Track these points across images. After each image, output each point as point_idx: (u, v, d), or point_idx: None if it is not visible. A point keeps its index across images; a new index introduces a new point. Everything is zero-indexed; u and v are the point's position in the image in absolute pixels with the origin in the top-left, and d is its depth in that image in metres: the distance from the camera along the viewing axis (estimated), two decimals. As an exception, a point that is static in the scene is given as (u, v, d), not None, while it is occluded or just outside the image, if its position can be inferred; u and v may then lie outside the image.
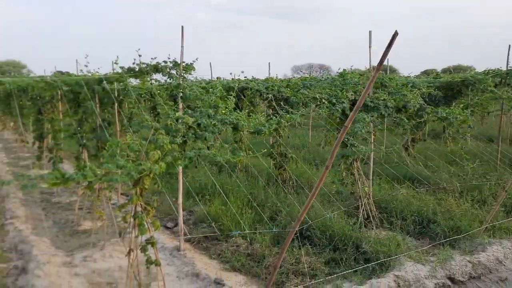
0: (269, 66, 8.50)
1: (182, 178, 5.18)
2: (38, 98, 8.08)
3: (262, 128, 4.31)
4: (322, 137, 11.92)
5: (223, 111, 4.23)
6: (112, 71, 6.05)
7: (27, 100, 9.98)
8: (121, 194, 7.70)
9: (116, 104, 5.84)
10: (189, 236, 5.40)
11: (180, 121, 4.04)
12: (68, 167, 9.50)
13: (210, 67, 9.69)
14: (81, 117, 6.08)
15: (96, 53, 5.96)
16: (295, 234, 5.08)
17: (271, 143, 8.67)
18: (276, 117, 4.66)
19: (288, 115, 4.72)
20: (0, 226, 6.07)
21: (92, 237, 5.65)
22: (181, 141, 3.89)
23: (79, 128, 5.48)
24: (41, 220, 6.62)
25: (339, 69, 6.89)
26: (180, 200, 5.12)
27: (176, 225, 6.26)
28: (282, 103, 5.57)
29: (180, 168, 5.01)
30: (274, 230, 4.66)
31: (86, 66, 6.03)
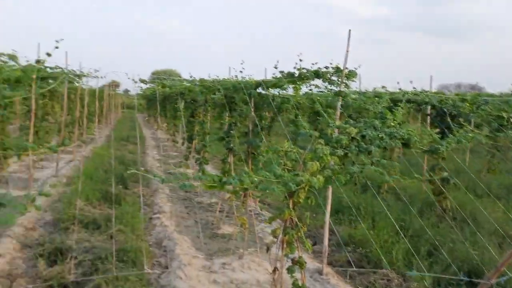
0: (431, 80, 7.57)
1: (331, 194, 4.71)
2: (192, 101, 8.45)
3: (439, 147, 3.61)
4: (483, 162, 10.35)
5: (392, 124, 3.65)
6: (264, 78, 5.92)
7: (182, 103, 10.62)
8: (259, 201, 7.56)
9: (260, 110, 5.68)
10: (343, 269, 4.88)
11: (342, 131, 3.58)
12: (210, 169, 9.78)
13: (359, 79, 9.12)
14: (232, 121, 6.06)
15: (247, 62, 5.87)
16: (463, 281, 4.19)
17: (425, 164, 7.69)
18: (453, 135, 3.90)
19: (470, 135, 3.92)
20: (149, 219, 6.34)
21: (231, 243, 5.51)
22: (342, 154, 3.42)
23: (230, 132, 5.42)
24: (184, 218, 6.79)
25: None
26: (327, 218, 4.65)
27: (315, 243, 5.81)
28: (461, 120, 4.74)
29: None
30: (462, 277, 3.86)
31: (241, 72, 6.01)
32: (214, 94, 6.50)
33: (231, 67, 8.55)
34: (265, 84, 4.58)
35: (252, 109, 4.67)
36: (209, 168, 9.65)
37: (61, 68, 7.38)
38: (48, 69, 7.02)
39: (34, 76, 4.46)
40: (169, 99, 14.21)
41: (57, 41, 4.01)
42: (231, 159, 6.18)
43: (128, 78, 8.44)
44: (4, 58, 4.10)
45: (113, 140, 14.46)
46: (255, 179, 2.98)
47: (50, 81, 8.09)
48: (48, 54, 4.45)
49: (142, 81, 7.91)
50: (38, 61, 4.68)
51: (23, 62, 6.46)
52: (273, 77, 4.69)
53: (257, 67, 6.98)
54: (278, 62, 4.53)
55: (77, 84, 12.12)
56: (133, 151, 13.17)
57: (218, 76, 6.35)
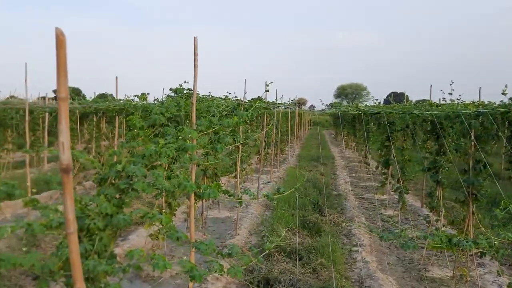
0: None
1: None
2: (389, 124, 8.01)
3: None
4: None
5: None
6: (478, 101, 5.15)
7: (375, 125, 10.24)
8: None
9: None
10: None
11: None
12: (410, 197, 9.04)
13: None
14: (439, 150, 5.45)
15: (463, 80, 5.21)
16: None
17: None
18: None
19: None
20: (348, 252, 6.14)
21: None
22: None
23: (437, 162, 4.86)
24: (385, 253, 6.37)
25: None
26: None
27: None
28: None
29: None
30: None
31: (450, 94, 5.38)
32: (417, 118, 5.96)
33: (432, 85, 7.85)
34: (490, 112, 3.88)
35: (473, 144, 4.03)
36: (409, 198, 8.95)
37: (263, 102, 7.94)
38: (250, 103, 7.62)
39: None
40: (359, 118, 13.94)
41: (267, 85, 4.26)
42: (439, 193, 5.55)
43: (322, 104, 8.53)
44: (220, 101, 4.55)
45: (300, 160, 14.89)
46: (495, 242, 2.49)
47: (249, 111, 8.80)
48: (260, 98, 4.80)
49: (335, 105, 7.86)
50: (251, 106, 5.13)
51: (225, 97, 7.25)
52: (500, 105, 3.96)
53: (463, 84, 6.18)
54: (506, 86, 3.80)
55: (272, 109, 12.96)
56: (324, 172, 13.29)
57: (412, 102, 5.78)
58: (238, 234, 6.91)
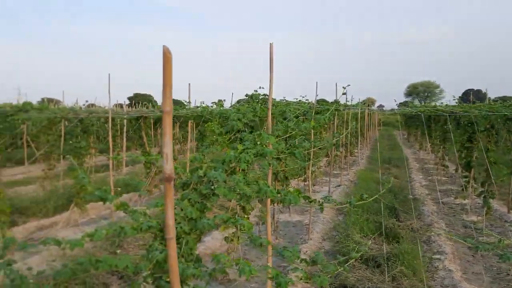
0: None
1: None
2: (469, 124, 7.51)
3: None
4: None
5: None
6: None
7: (452, 125, 9.68)
8: None
9: None
10: None
11: None
12: (495, 203, 8.39)
13: None
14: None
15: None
16: None
17: None
18: None
19: None
20: (429, 260, 5.83)
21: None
22: None
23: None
24: (469, 261, 5.97)
25: None
26: None
27: None
28: None
29: None
30: None
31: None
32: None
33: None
34: None
35: None
36: (494, 202, 8.30)
37: (338, 104, 7.83)
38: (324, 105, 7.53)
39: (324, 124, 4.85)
40: (435, 118, 13.23)
41: (344, 88, 4.19)
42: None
43: (396, 104, 8.23)
44: (294, 105, 4.55)
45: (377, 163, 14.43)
46: None
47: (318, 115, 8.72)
48: (336, 101, 4.74)
49: (410, 105, 7.52)
50: (327, 110, 5.09)
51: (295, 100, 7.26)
52: None
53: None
54: None
55: (342, 111, 12.70)
56: (398, 175, 12.77)
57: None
58: (311, 239, 6.84)
